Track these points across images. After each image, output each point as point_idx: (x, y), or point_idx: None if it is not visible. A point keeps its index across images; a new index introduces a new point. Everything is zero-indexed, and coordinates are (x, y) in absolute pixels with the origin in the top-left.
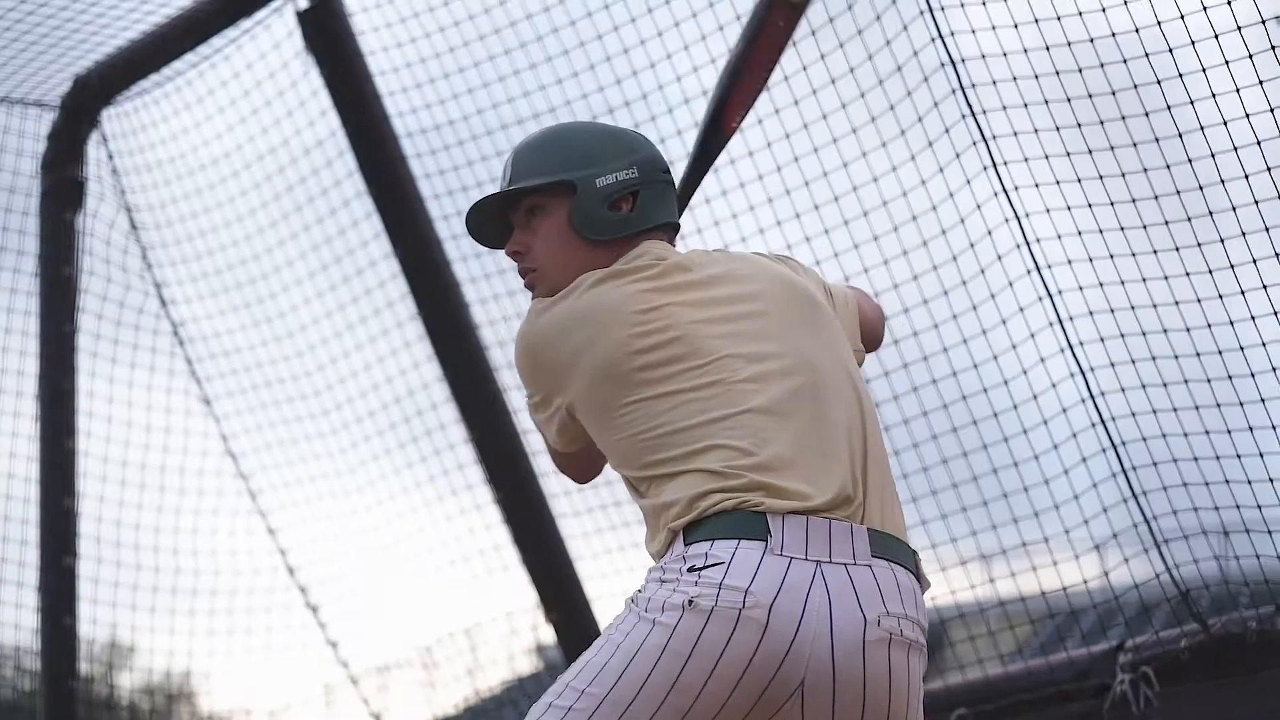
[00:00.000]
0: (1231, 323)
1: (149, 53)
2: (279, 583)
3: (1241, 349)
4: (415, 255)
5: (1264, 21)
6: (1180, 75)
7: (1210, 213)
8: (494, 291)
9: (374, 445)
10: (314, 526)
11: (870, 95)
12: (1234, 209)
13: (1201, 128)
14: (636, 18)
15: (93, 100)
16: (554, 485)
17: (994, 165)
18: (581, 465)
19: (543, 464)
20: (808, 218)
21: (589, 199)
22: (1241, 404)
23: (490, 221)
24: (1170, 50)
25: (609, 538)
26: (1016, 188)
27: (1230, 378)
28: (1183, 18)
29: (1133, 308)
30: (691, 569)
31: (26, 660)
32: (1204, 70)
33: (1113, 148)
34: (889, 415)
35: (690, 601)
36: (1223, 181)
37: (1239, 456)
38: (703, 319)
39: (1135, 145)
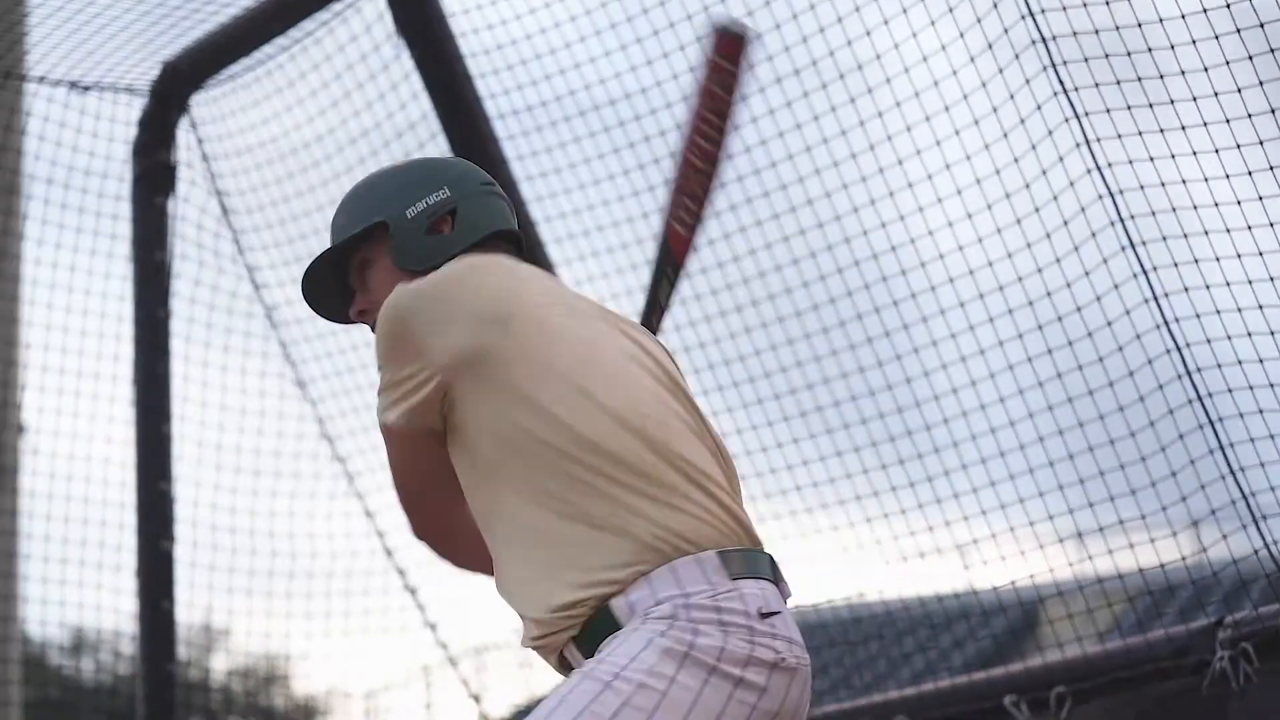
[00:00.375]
0: None
1: (238, 37)
2: (377, 565)
3: None
4: None
5: None
6: None
7: None
8: (589, 274)
9: None
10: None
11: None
12: None
13: None
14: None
15: (183, 86)
16: None
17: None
18: None
19: None
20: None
21: (404, 232)
22: None
23: (332, 296)
24: None
25: None
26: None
27: None
28: None
29: (1227, 284)
30: (762, 614)
31: (123, 644)
32: None
33: None
34: (1006, 386)
35: (781, 661)
36: None
37: None
38: None
39: None
